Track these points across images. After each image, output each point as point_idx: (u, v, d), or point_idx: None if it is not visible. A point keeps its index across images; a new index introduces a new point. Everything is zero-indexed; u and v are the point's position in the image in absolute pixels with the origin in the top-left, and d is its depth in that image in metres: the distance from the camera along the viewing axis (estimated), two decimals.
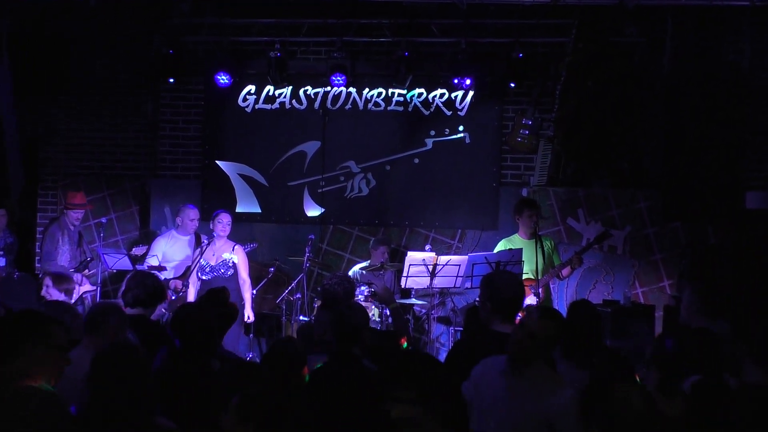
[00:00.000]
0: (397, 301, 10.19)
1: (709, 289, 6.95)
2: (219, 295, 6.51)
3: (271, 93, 11.55)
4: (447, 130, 11.37)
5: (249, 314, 9.86)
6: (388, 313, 9.64)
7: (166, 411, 4.91)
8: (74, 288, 8.60)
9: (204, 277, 9.75)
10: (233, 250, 9.81)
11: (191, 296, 9.63)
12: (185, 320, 5.46)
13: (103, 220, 10.94)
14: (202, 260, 9.73)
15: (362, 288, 9.47)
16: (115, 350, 4.40)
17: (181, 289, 9.55)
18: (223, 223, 9.86)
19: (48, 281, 8.15)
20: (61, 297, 8.04)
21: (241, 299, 9.75)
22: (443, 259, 9.58)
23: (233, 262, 9.76)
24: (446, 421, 3.78)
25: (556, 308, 9.86)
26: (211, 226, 9.88)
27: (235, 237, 10.15)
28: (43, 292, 7.85)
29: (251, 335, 10.42)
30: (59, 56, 11.52)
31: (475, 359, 4.93)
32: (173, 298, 9.38)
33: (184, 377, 5.06)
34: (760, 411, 4.41)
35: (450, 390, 3.83)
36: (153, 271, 8.79)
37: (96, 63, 11.93)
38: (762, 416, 4.39)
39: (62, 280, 8.22)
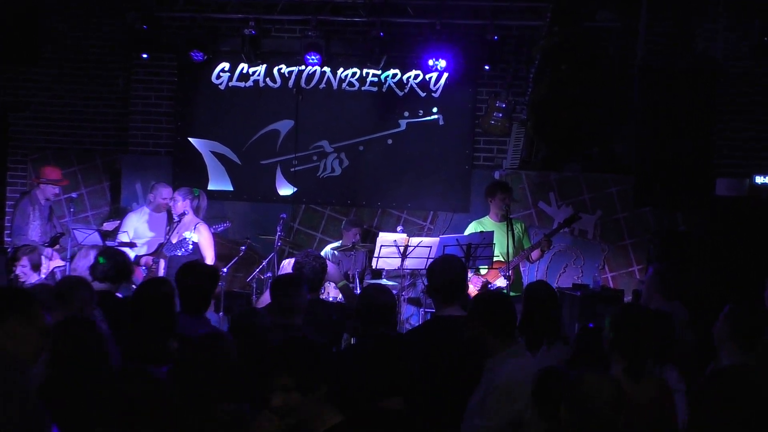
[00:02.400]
0: (368, 281, 10.31)
1: (669, 271, 7.03)
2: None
3: (245, 71, 11.50)
4: (421, 111, 11.37)
5: None
6: (359, 293, 9.69)
7: None
8: (41, 260, 8.57)
9: (170, 254, 9.68)
10: (194, 228, 9.51)
11: (161, 272, 9.55)
12: (141, 299, 5.42)
13: (74, 195, 10.85)
14: (168, 237, 9.68)
15: None
16: (72, 323, 4.44)
17: (152, 265, 9.50)
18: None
19: (25, 261, 8.10)
20: (35, 274, 8.02)
21: None
22: (414, 240, 9.59)
23: (193, 241, 9.56)
24: (332, 401, 3.82)
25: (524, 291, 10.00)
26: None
27: (207, 214, 10.07)
28: (18, 271, 7.81)
29: (221, 313, 10.40)
30: (28, 26, 11.38)
31: (424, 346, 5.03)
32: (144, 274, 9.34)
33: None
34: (743, 391, 4.46)
35: (329, 373, 3.85)
36: (123, 248, 8.78)
37: (68, 36, 11.84)
38: (744, 396, 4.43)
39: (33, 254, 8.19)
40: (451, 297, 5.51)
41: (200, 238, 9.52)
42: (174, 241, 9.60)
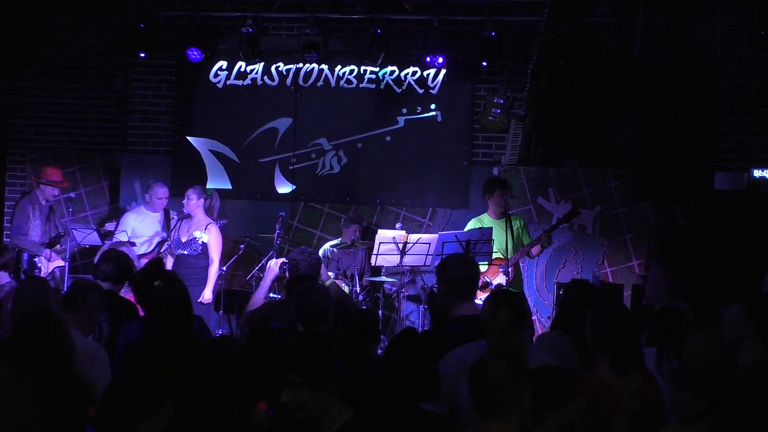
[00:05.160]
0: (367, 278, 10.33)
1: (677, 269, 7.02)
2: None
3: (243, 69, 11.49)
4: (419, 108, 11.36)
5: (206, 294, 9.53)
6: (358, 291, 9.73)
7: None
8: (12, 258, 8.48)
9: (177, 252, 9.69)
10: (205, 228, 9.60)
11: None
12: (160, 295, 5.40)
13: (73, 194, 10.85)
14: (177, 235, 9.68)
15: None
16: (34, 317, 4.58)
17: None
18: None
19: None
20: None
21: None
22: (413, 237, 9.61)
23: (203, 241, 9.60)
24: (342, 397, 3.89)
25: (524, 288, 10.04)
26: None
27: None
28: None
29: (221, 312, 10.41)
30: (27, 26, 11.38)
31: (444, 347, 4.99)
32: None
33: (165, 354, 4.98)
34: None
35: (338, 370, 3.91)
36: (122, 247, 8.77)
37: (66, 35, 11.84)
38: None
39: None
40: (466, 295, 5.52)
41: (210, 238, 9.59)
42: (183, 239, 9.60)
